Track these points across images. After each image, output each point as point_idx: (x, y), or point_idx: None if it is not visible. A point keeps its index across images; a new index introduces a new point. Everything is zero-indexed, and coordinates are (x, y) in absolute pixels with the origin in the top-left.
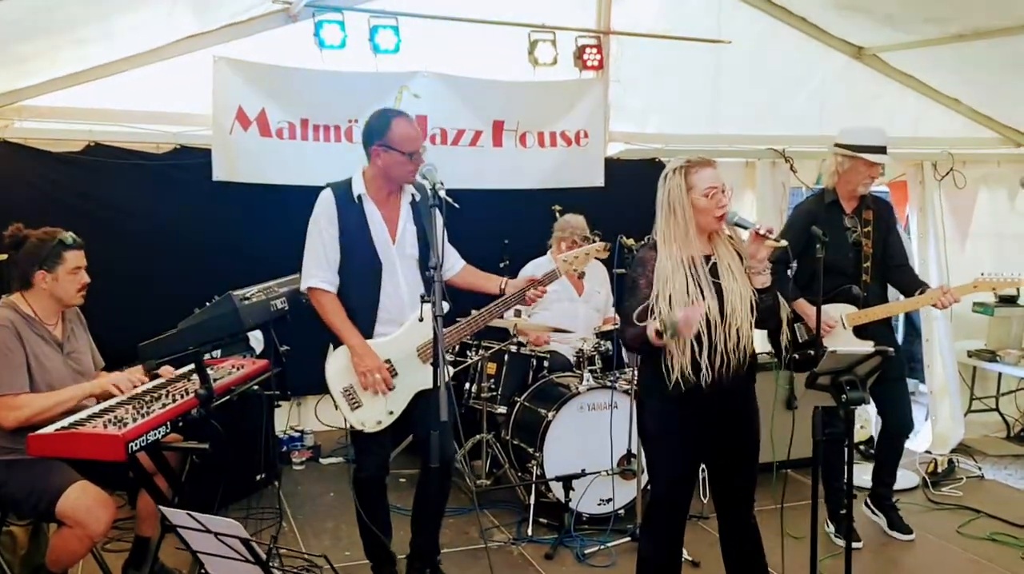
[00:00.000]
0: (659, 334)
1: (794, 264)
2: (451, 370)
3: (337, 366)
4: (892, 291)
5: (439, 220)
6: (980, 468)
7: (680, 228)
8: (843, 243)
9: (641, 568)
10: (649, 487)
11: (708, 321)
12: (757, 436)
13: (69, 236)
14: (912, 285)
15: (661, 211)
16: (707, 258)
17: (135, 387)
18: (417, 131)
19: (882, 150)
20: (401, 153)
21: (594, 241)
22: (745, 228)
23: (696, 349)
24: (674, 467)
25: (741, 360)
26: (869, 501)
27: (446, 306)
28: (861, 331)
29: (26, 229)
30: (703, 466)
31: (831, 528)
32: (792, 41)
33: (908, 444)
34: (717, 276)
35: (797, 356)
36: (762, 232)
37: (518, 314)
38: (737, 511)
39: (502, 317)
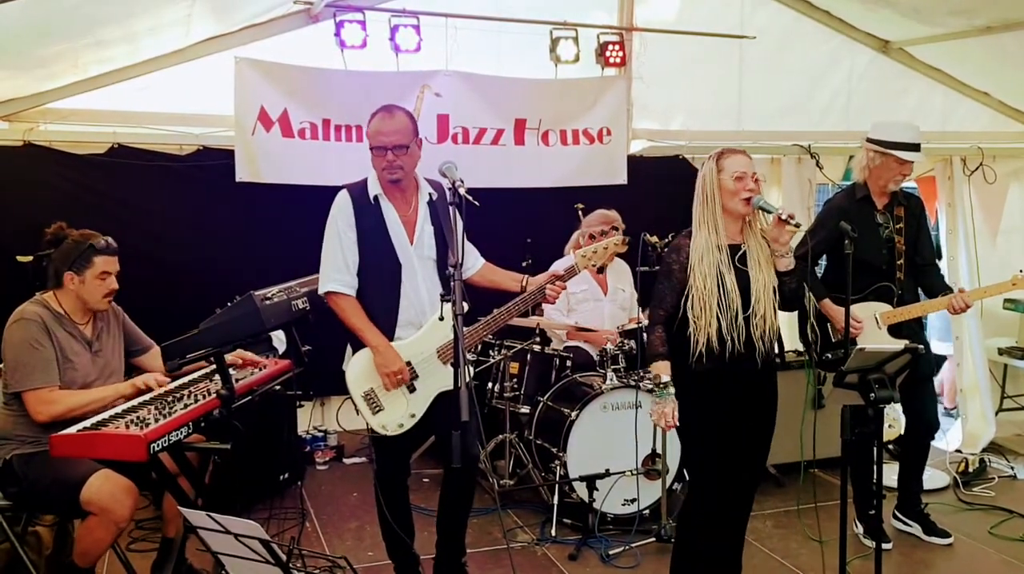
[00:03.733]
0: (655, 380)
1: (822, 261)
2: (471, 370)
3: (357, 370)
4: None
5: (459, 218)
6: (1012, 467)
7: (711, 212)
8: (876, 240)
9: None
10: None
11: (731, 307)
12: (770, 425)
13: (103, 241)
14: (937, 286)
15: (696, 197)
16: (737, 246)
17: (161, 386)
18: (389, 124)
19: (916, 147)
20: (371, 148)
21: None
22: (769, 213)
23: (722, 323)
24: (712, 449)
25: (767, 347)
26: (898, 512)
27: (465, 306)
28: (895, 329)
29: (67, 228)
30: None
31: (859, 529)
32: (817, 35)
33: (937, 443)
34: (746, 265)
35: (830, 355)
36: (783, 217)
37: (541, 313)
38: (738, 497)
39: (526, 315)
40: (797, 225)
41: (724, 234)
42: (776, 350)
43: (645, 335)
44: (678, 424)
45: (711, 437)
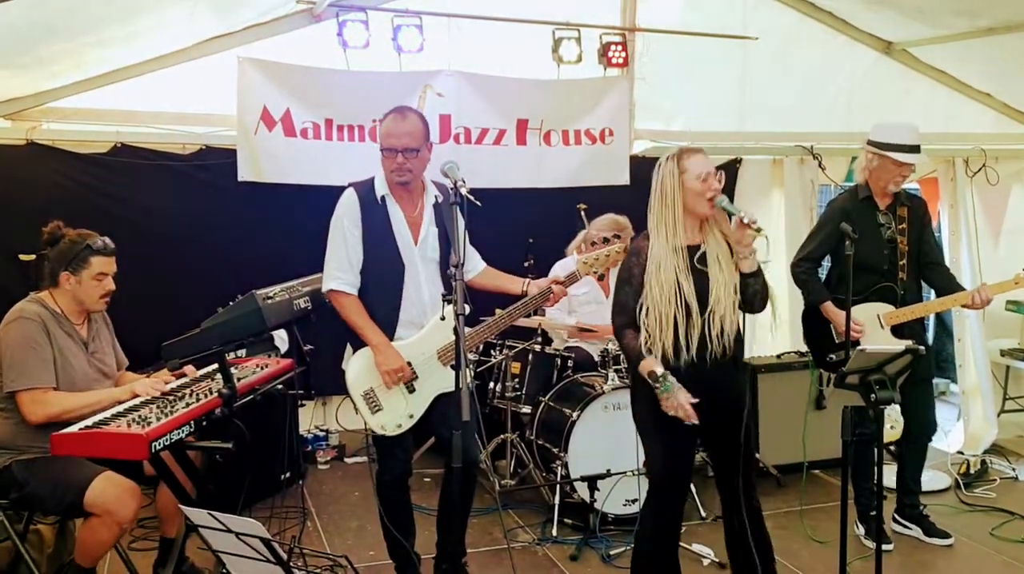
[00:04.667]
0: (652, 378)
1: (825, 262)
2: (472, 372)
3: (357, 369)
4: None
5: (460, 218)
6: (1014, 469)
7: (670, 213)
8: (878, 240)
9: (636, 552)
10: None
11: (688, 309)
12: (741, 422)
13: (100, 241)
14: (948, 285)
15: (654, 198)
16: (696, 247)
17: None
18: (401, 127)
19: (914, 149)
20: (381, 149)
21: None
22: (731, 215)
23: (679, 332)
24: (663, 444)
25: (725, 347)
26: (897, 515)
27: (467, 308)
28: (897, 330)
29: (64, 227)
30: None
31: (860, 530)
32: (820, 36)
33: (940, 445)
34: (706, 265)
35: (834, 357)
36: (745, 221)
37: (543, 313)
38: (736, 501)
39: (528, 315)
40: (758, 230)
41: (683, 235)
42: (733, 348)
43: (615, 313)
44: (694, 408)
45: (663, 437)
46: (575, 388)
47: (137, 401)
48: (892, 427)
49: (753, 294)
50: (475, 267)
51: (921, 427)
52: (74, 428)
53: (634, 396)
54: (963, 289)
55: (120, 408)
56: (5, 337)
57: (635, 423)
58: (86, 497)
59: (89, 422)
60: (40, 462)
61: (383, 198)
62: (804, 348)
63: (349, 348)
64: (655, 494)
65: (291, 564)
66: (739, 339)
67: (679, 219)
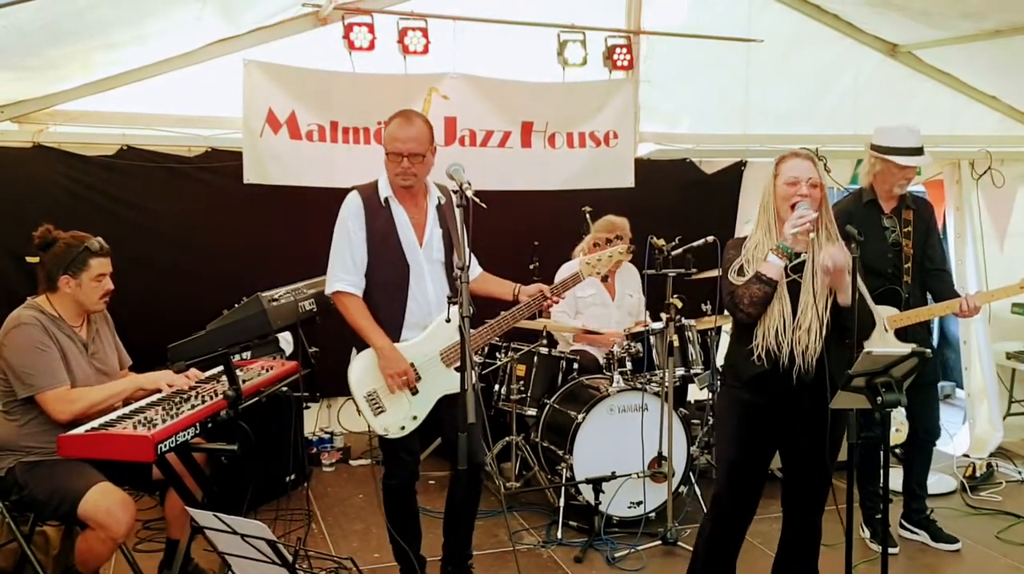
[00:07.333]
0: (779, 254)
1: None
2: (476, 373)
3: (360, 371)
4: None
5: (466, 220)
6: (1020, 472)
7: (765, 219)
8: (882, 243)
9: (692, 559)
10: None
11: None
12: (824, 442)
13: (96, 243)
14: (945, 292)
15: (760, 202)
16: (796, 255)
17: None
18: (407, 131)
19: (916, 151)
20: (386, 153)
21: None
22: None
23: (780, 329)
24: (732, 453)
25: (808, 363)
26: (904, 521)
27: (472, 310)
28: (901, 333)
29: (55, 231)
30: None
31: (866, 533)
32: (824, 39)
33: (945, 448)
34: (799, 273)
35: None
36: (791, 222)
37: (548, 315)
38: (800, 517)
39: (533, 318)
40: (797, 231)
41: (776, 239)
42: (816, 369)
43: (729, 298)
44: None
45: (735, 445)
46: (580, 390)
47: (143, 402)
48: (897, 430)
49: (840, 327)
50: (472, 271)
51: (925, 431)
52: (80, 430)
53: (720, 394)
54: (957, 296)
55: (126, 410)
56: (9, 345)
57: (715, 425)
58: (80, 508)
59: (95, 423)
60: (43, 466)
61: (386, 200)
62: None
63: (354, 350)
64: (715, 506)
65: (296, 566)
66: (821, 361)
67: (774, 225)
